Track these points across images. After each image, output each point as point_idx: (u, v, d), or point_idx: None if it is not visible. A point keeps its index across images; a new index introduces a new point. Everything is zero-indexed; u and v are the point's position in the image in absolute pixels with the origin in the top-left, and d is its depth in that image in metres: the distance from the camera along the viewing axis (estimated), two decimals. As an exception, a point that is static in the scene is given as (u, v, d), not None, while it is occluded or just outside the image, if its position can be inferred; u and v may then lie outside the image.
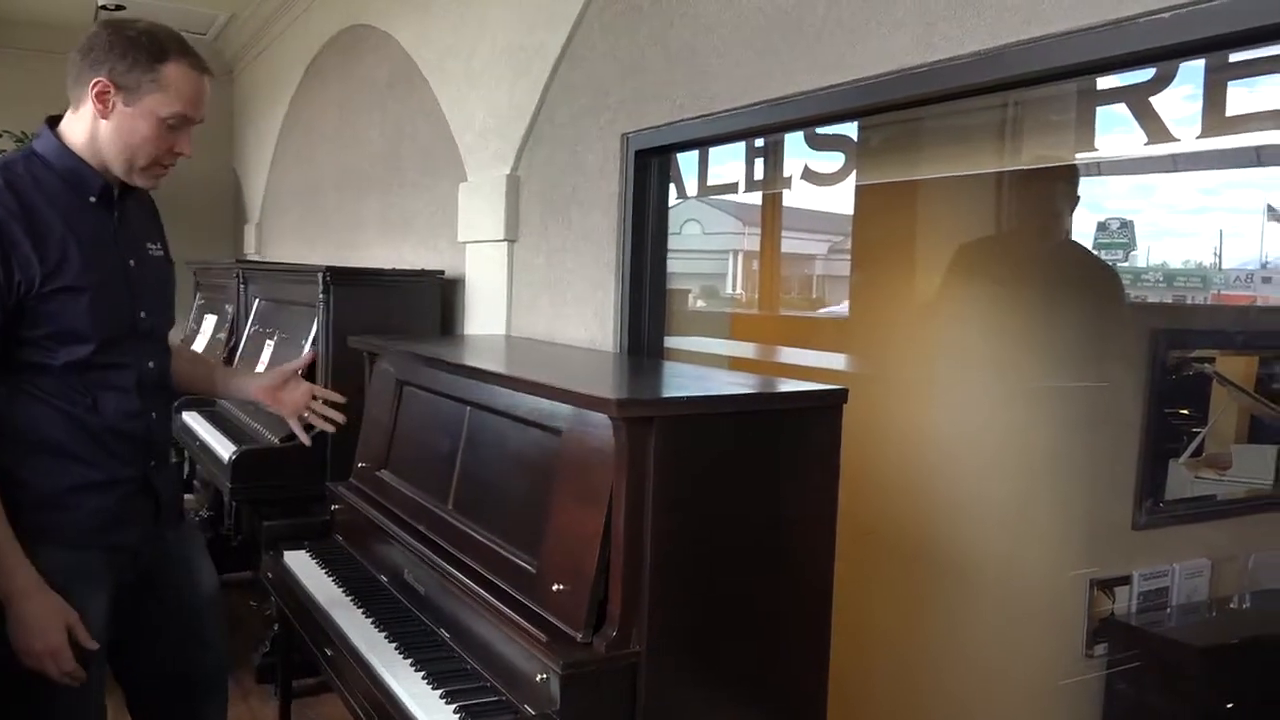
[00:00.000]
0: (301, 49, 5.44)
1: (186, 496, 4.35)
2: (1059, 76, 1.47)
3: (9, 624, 1.58)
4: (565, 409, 1.68)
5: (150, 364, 1.79)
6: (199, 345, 4.84)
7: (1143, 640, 2.28)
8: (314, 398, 2.16)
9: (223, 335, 4.52)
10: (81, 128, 1.69)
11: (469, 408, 2.08)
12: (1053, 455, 2.24)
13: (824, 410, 1.67)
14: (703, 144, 2.36)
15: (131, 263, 1.76)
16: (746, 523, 1.60)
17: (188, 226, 6.82)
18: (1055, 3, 1.44)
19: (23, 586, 1.58)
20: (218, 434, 3.55)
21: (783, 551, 1.64)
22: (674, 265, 2.57)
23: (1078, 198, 2.25)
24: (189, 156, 1.75)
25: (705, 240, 3.02)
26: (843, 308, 2.71)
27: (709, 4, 2.19)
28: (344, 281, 3.17)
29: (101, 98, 1.65)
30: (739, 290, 3.12)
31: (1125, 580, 2.31)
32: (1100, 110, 1.74)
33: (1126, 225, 2.18)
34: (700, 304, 2.98)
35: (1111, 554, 2.30)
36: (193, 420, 3.88)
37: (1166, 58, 1.37)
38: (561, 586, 1.59)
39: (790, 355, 2.72)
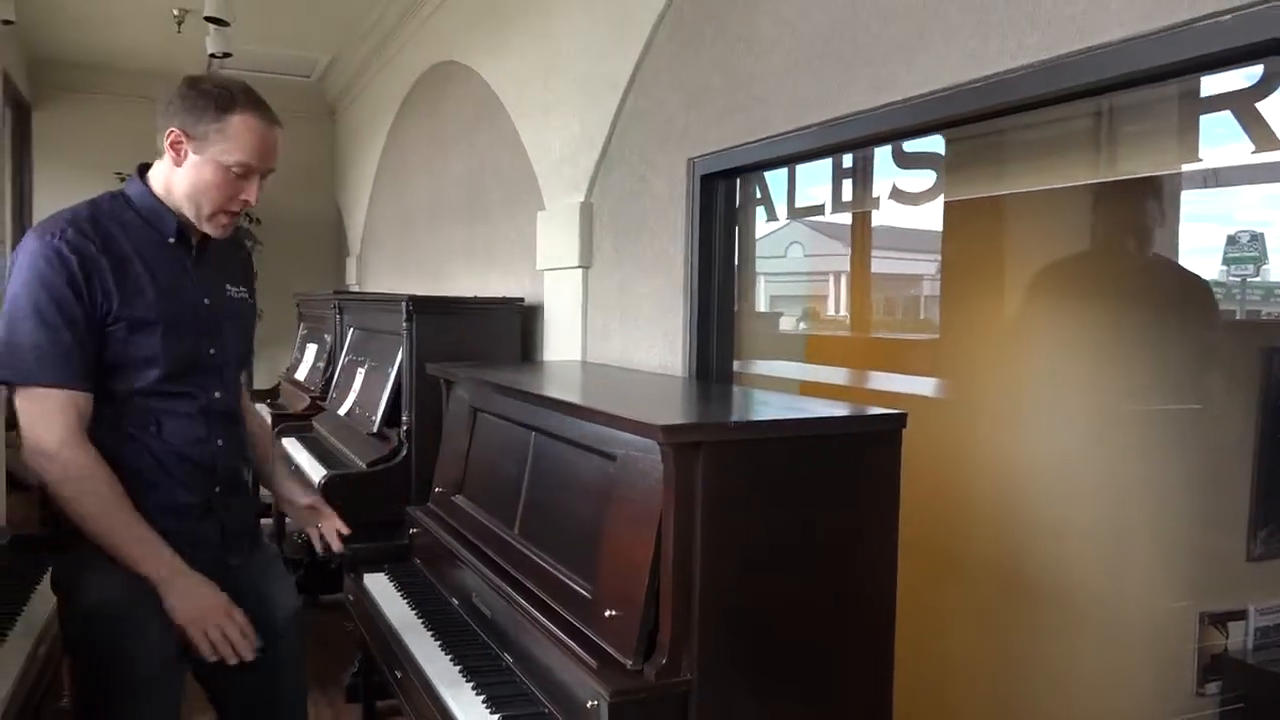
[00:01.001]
0: (395, 87, 5.65)
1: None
2: (1113, 87, 1.41)
3: (171, 603, 1.66)
4: (620, 435, 1.69)
5: (217, 394, 1.85)
6: (301, 373, 5.05)
7: (1261, 679, 2.15)
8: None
9: (321, 364, 4.71)
10: (161, 175, 1.81)
11: (534, 433, 2.11)
12: (1151, 481, 2.14)
13: (882, 435, 1.63)
14: (764, 166, 2.35)
15: (206, 300, 1.84)
16: (800, 549, 1.58)
17: (295, 260, 7.18)
18: (1108, 11, 1.39)
19: (174, 568, 1.68)
20: (311, 459, 3.68)
21: (839, 579, 1.61)
22: (776, 289, 2.55)
23: (1164, 211, 2.15)
24: (254, 205, 1.82)
25: (808, 263, 3.00)
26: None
27: (767, 28, 2.19)
28: (426, 310, 3.26)
29: (175, 146, 1.76)
30: (840, 313, 3.08)
31: (1240, 615, 2.18)
32: (1204, 119, 1.67)
33: (1257, 238, 2.06)
34: (802, 326, 2.95)
35: (1223, 586, 2.17)
36: (290, 446, 4.04)
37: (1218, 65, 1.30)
38: (614, 613, 1.59)
39: (876, 379, 2.66)
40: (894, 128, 1.80)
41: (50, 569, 1.84)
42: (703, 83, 2.45)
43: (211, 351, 1.84)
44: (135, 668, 1.68)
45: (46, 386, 1.65)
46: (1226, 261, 2.07)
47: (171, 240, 1.81)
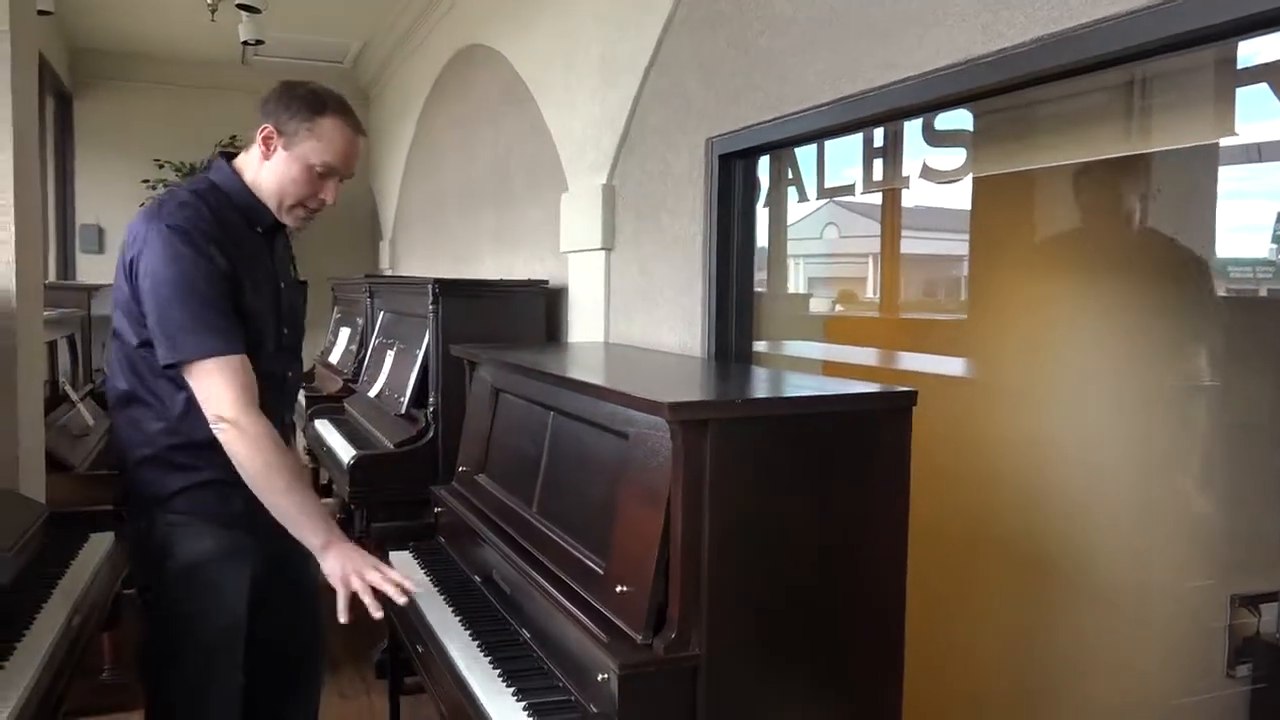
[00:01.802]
0: (425, 72, 5.68)
1: (326, 500, 4.62)
2: (1125, 59, 1.39)
3: (330, 566, 1.81)
4: (632, 413, 1.70)
5: (289, 373, 2.05)
6: (335, 356, 5.13)
7: (1293, 660, 2.12)
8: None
9: (354, 347, 4.77)
10: (250, 167, 1.94)
11: (552, 413, 2.13)
12: (1176, 459, 2.11)
13: (892, 413, 1.63)
14: (782, 145, 2.34)
15: (282, 285, 2.02)
16: (809, 526, 1.58)
17: (331, 244, 7.27)
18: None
19: (332, 532, 1.84)
20: (342, 439, 3.74)
21: (849, 555, 1.61)
22: (811, 270, 2.55)
23: (1151, 185, 2.11)
24: (332, 204, 1.96)
25: (840, 244, 2.98)
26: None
27: (783, 5, 2.18)
28: (452, 293, 3.30)
29: (266, 142, 1.90)
30: (872, 295, 3.05)
31: (1273, 596, 2.14)
32: (1240, 91, 1.63)
33: None
34: (837, 308, 2.94)
35: (1256, 567, 2.14)
36: (323, 428, 4.11)
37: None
38: (625, 588, 1.61)
39: (904, 360, 2.65)
40: (909, 104, 1.79)
41: (122, 535, 2.06)
42: (720, 61, 2.44)
43: (285, 331, 2.02)
44: (216, 620, 1.92)
45: (214, 358, 1.78)
46: (1276, 239, 2.02)
47: (260, 230, 1.96)
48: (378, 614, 1.79)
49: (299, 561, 2.04)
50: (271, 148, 1.89)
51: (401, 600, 1.81)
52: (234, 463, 1.80)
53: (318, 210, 1.96)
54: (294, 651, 2.19)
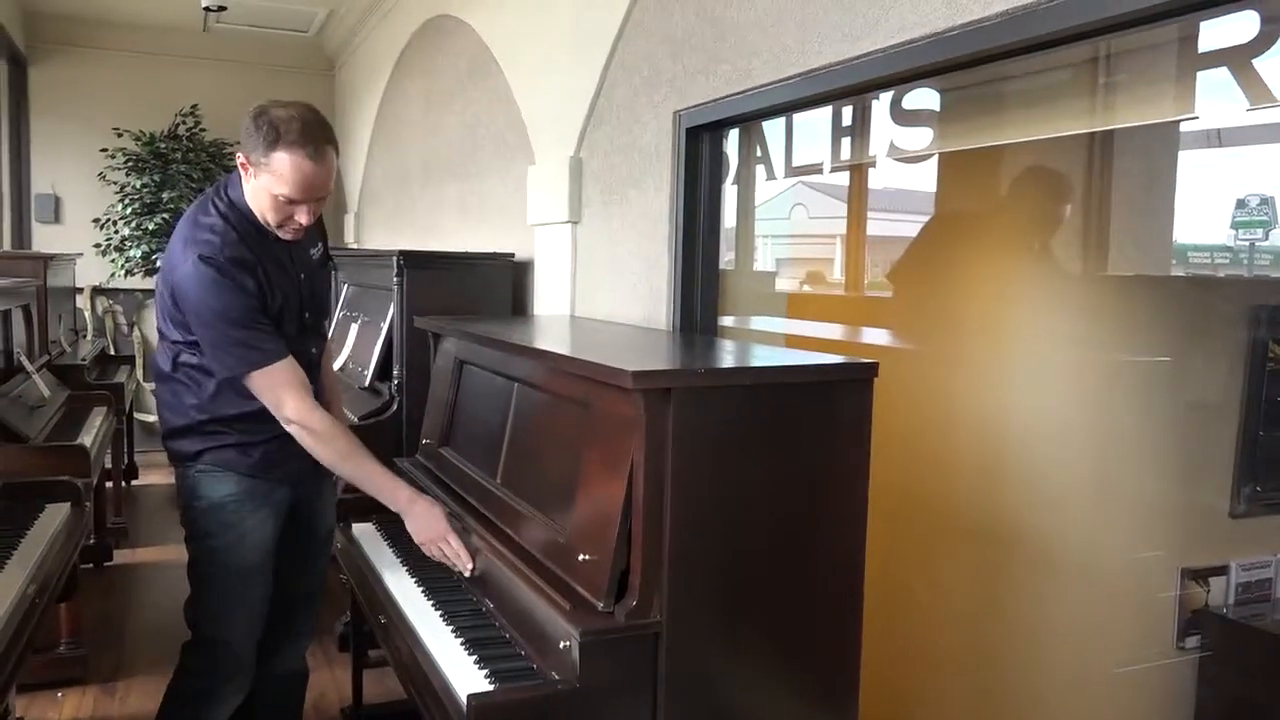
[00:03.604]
0: (391, 43, 5.60)
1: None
2: (1090, 34, 1.40)
3: (411, 526, 2.08)
4: (596, 383, 1.70)
5: (314, 350, 2.28)
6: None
7: (1241, 634, 2.17)
8: None
9: (317, 320, 4.72)
10: (245, 186, 2.09)
11: (516, 384, 2.13)
12: (1128, 435, 2.15)
13: (852, 383, 1.65)
14: (750, 118, 2.34)
15: (302, 276, 2.21)
16: (771, 495, 1.60)
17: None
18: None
19: (409, 497, 2.10)
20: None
21: (809, 524, 1.63)
22: (780, 250, 2.55)
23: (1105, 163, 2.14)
24: (305, 226, 2.08)
25: (805, 224, 2.99)
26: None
27: (752, -24, 2.17)
28: (417, 265, 3.26)
29: (244, 168, 2.05)
30: (837, 275, 3.07)
31: (1222, 570, 2.19)
32: (1201, 75, 1.65)
33: (1267, 201, 2.02)
34: (806, 288, 2.95)
35: (1205, 542, 2.19)
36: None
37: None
38: (587, 556, 1.62)
39: (866, 335, 2.67)
40: (876, 77, 1.79)
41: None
42: (689, 33, 2.43)
43: (307, 315, 2.23)
44: (238, 554, 2.17)
45: (259, 369, 2.04)
46: (1235, 225, 2.04)
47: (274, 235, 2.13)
48: (467, 569, 2.03)
49: (313, 510, 2.38)
50: (248, 174, 2.03)
51: (465, 571, 2.03)
52: (311, 454, 2.10)
53: (305, 226, 2.08)
54: (298, 592, 2.41)
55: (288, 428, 2.08)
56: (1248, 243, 2.05)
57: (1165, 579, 2.15)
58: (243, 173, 2.05)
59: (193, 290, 2.02)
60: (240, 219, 2.08)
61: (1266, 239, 2.01)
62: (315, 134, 1.97)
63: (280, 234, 2.10)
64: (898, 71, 1.74)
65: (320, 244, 2.34)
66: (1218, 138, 1.96)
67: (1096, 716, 2.15)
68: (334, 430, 2.11)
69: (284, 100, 2.02)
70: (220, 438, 2.17)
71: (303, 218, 2.05)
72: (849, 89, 1.90)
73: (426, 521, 2.06)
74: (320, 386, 2.30)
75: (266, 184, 2.00)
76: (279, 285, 2.13)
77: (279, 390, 2.06)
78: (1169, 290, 2.22)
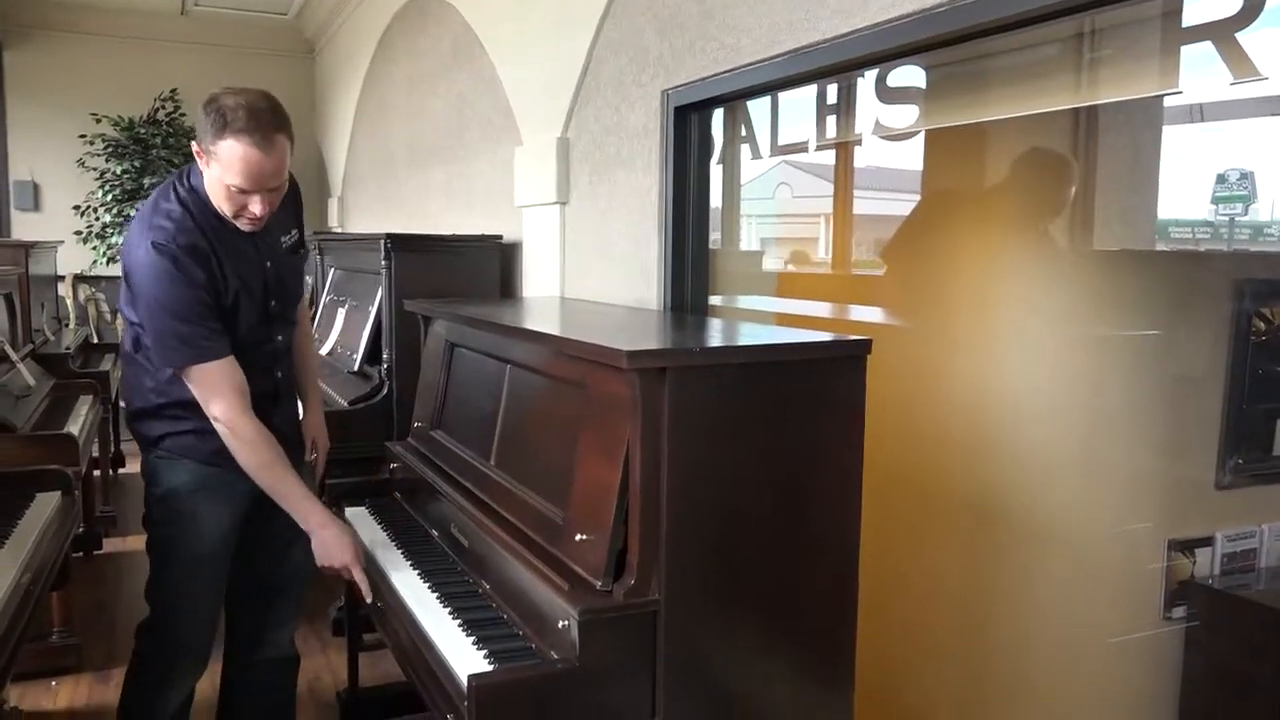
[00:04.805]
0: (372, 24, 5.55)
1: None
2: (1074, 10, 1.40)
3: (315, 549, 2.10)
4: (591, 364, 1.71)
5: (279, 337, 2.24)
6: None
7: (1227, 604, 2.19)
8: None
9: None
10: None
11: (508, 366, 2.12)
12: (1116, 409, 2.16)
13: (846, 360, 1.65)
14: (739, 97, 2.33)
15: (268, 264, 2.16)
16: (766, 472, 1.60)
17: (275, 202, 7.11)
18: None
19: (321, 520, 2.10)
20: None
21: (804, 501, 1.64)
22: (766, 229, 2.54)
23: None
24: (258, 216, 2.02)
25: (791, 204, 2.99)
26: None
27: (740, -48, 2.15)
28: (405, 248, 3.25)
29: (199, 156, 2.00)
30: (824, 254, 3.07)
31: (1207, 541, 2.21)
32: (1185, 50, 1.66)
33: (1247, 176, 2.03)
34: (790, 267, 2.95)
35: (1191, 514, 2.21)
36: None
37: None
38: (584, 536, 1.62)
39: (856, 314, 2.68)
40: (863, 54, 1.79)
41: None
42: (676, 11, 2.42)
43: (273, 303, 2.18)
44: (192, 545, 2.16)
45: (196, 365, 2.02)
46: (1215, 200, 2.05)
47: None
48: (367, 600, 2.09)
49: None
50: (203, 163, 1.99)
51: (366, 600, 2.09)
52: (233, 456, 2.06)
53: (262, 216, 2.02)
54: (280, 580, 2.38)
55: (215, 426, 2.06)
56: (1227, 218, 2.06)
57: (1152, 551, 2.17)
58: (199, 161, 2.01)
59: (143, 278, 2.00)
60: (200, 206, 2.05)
61: (1245, 214, 2.03)
62: (264, 121, 1.91)
63: (238, 225, 2.05)
64: (887, 48, 1.73)
65: (295, 231, 2.29)
66: (1199, 112, 1.97)
67: (1086, 687, 2.18)
68: (259, 439, 2.07)
69: (238, 88, 1.96)
70: (179, 422, 2.15)
71: (256, 208, 2.00)
72: (839, 65, 1.90)
73: (332, 548, 2.09)
74: (292, 369, 2.32)
75: (218, 173, 1.96)
76: (239, 273, 2.09)
77: (211, 389, 2.04)
78: (1156, 265, 2.23)
